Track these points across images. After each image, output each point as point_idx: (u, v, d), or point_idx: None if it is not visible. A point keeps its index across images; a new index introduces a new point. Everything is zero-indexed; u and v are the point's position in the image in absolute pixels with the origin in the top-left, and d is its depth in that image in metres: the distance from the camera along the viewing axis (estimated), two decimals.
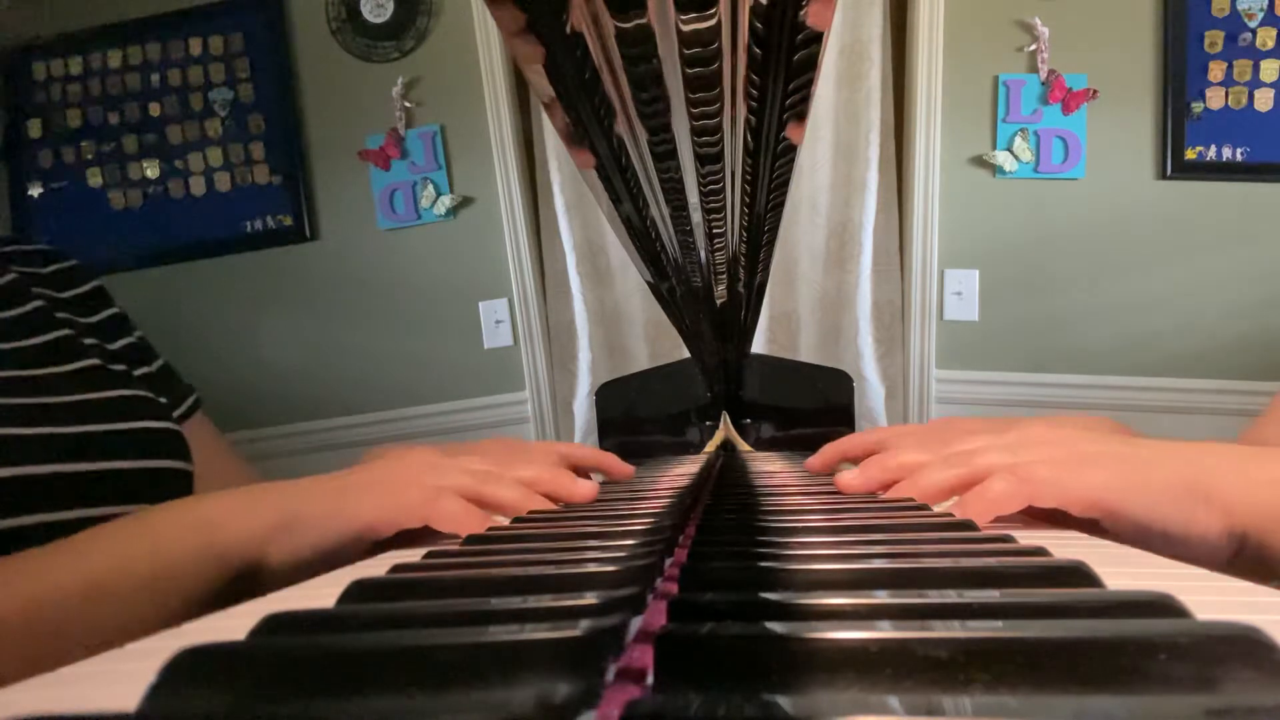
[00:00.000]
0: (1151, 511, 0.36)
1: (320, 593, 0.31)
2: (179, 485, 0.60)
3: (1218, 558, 0.36)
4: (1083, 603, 0.19)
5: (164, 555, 0.39)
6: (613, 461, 0.62)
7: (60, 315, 0.62)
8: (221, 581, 0.39)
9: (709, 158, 0.39)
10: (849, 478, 0.47)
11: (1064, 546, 0.33)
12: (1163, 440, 0.40)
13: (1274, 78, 1.76)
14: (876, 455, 0.47)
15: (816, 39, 0.29)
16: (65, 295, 0.65)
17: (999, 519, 0.38)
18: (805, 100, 0.34)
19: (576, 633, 0.15)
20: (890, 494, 0.43)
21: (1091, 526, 0.40)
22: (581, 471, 0.57)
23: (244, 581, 0.40)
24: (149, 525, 0.41)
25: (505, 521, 0.43)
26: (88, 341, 0.62)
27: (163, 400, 0.64)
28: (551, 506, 0.45)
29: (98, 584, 0.36)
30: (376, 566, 0.35)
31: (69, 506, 0.50)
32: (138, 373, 0.66)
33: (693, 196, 0.44)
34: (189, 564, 0.39)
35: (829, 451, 0.60)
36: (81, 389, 0.56)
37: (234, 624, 0.25)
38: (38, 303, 0.60)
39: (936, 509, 0.40)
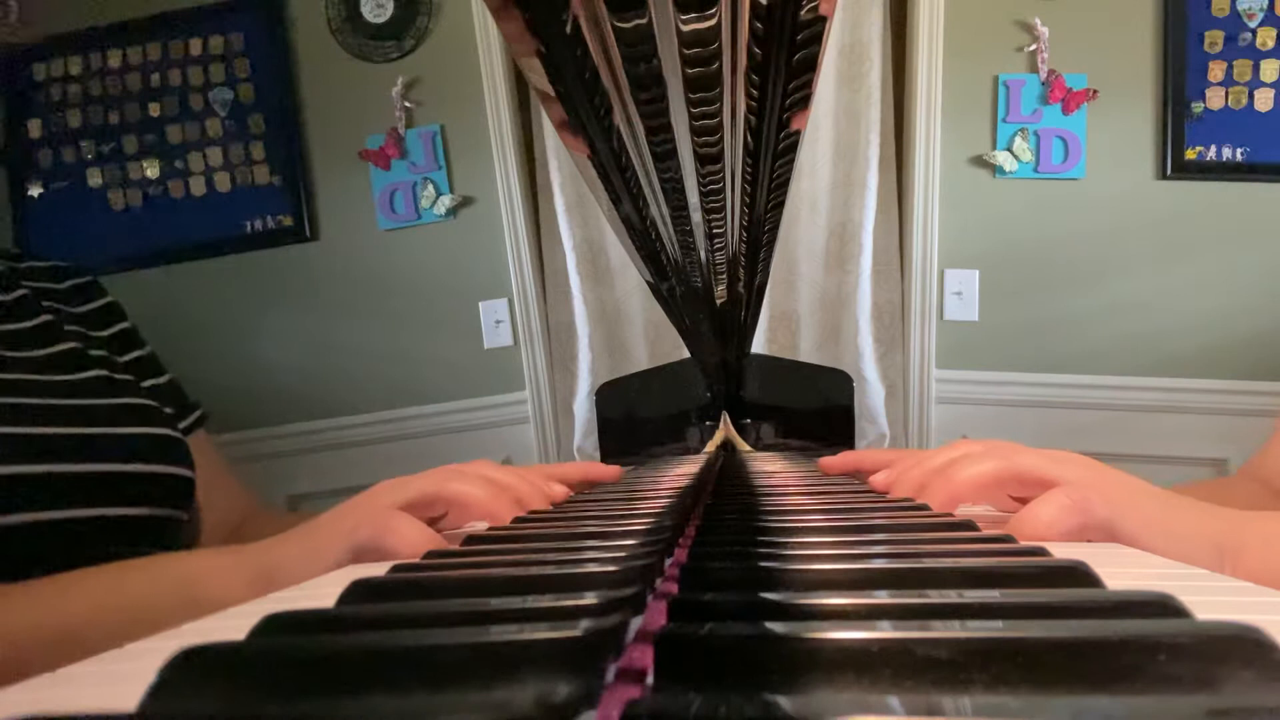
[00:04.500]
0: (1178, 558, 0.35)
1: (320, 593, 0.31)
2: (181, 490, 0.60)
3: None
4: (1083, 603, 0.19)
5: (142, 609, 0.39)
6: (599, 470, 0.62)
7: (70, 329, 0.64)
8: None
9: (709, 158, 0.39)
10: (881, 479, 0.47)
11: (1064, 547, 0.33)
12: (1179, 491, 0.39)
13: (1274, 78, 1.76)
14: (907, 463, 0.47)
15: (817, 38, 0.29)
16: (78, 310, 0.68)
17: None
18: (806, 99, 0.34)
19: (576, 633, 0.15)
20: (926, 492, 0.42)
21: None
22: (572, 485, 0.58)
23: None
24: (128, 579, 0.42)
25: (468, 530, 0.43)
26: (96, 354, 0.64)
27: (168, 411, 0.66)
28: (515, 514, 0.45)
29: (72, 631, 0.37)
30: (377, 567, 0.35)
31: (73, 506, 0.51)
32: (146, 384, 0.68)
33: (693, 196, 0.44)
34: (168, 621, 0.39)
35: (848, 459, 0.61)
36: (87, 396, 0.58)
37: (234, 624, 0.25)
38: (47, 317, 0.63)
39: (971, 514, 0.40)
